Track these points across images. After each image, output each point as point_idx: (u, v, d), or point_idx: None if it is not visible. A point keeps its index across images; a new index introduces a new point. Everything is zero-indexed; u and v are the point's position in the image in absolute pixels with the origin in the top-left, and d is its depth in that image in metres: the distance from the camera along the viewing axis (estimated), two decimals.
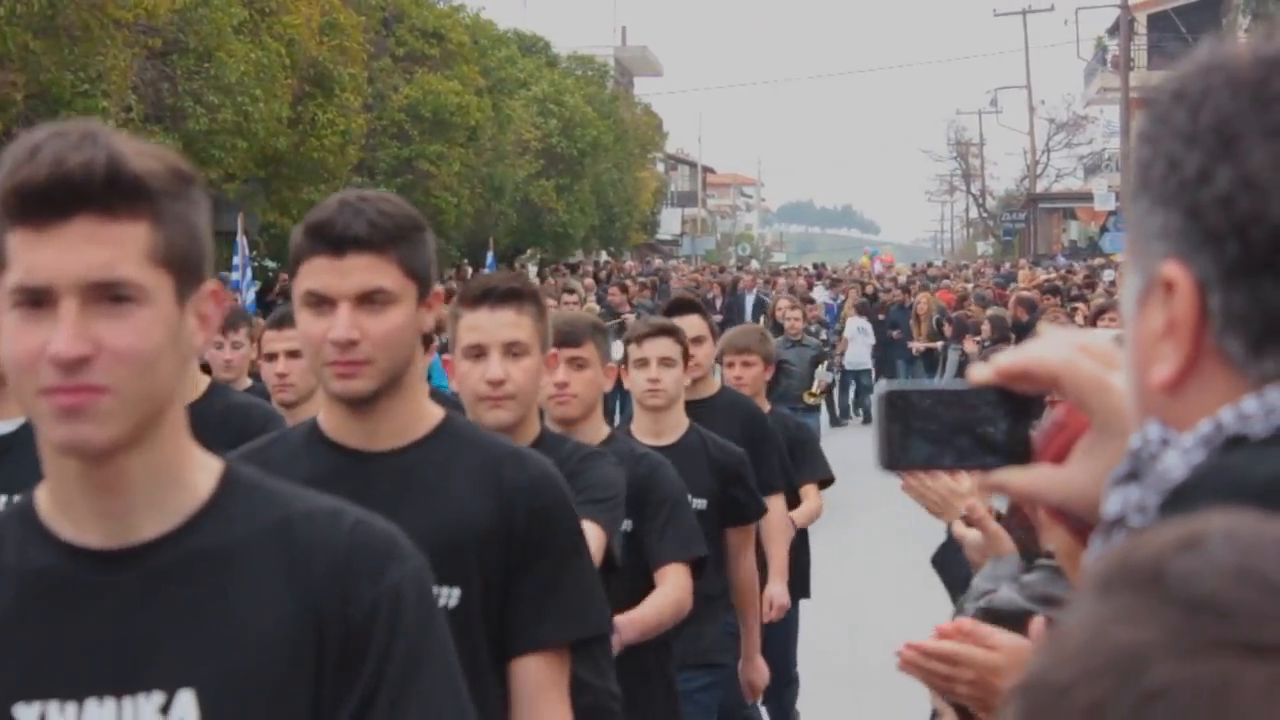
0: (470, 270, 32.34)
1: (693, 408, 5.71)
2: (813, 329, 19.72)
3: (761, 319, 22.35)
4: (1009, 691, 0.86)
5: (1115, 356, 1.44)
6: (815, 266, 46.75)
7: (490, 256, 25.30)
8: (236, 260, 18.09)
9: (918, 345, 24.67)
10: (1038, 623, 1.86)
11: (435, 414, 2.79)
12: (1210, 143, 1.21)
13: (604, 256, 47.19)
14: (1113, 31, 47.40)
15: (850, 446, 20.02)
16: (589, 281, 22.43)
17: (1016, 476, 1.46)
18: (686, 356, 5.47)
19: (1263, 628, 0.80)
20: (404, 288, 2.65)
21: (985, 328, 16.87)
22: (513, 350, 3.55)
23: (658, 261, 47.26)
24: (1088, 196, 52.92)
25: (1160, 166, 1.24)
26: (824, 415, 20.50)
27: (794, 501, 6.91)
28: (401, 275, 2.64)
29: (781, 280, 31.51)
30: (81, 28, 16.31)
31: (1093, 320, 9.78)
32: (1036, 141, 61.92)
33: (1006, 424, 1.44)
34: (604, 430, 4.57)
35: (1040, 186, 61.05)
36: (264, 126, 19.42)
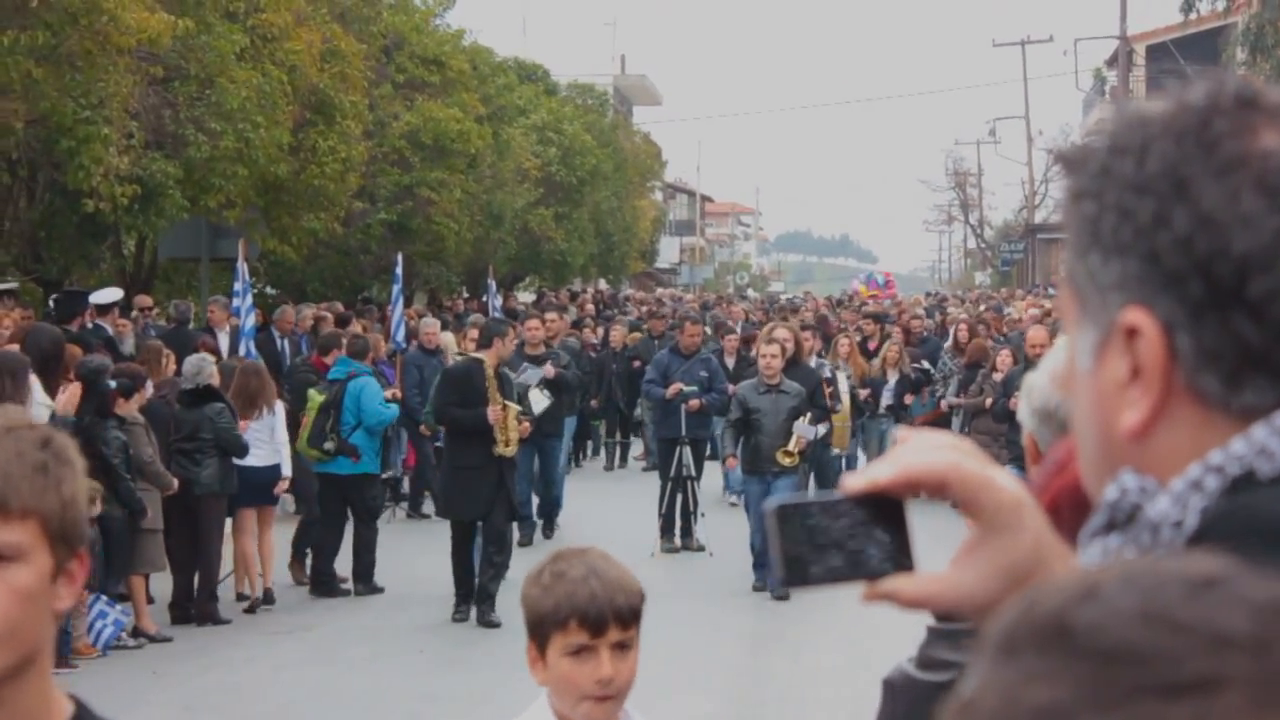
0: (467, 298, 32.35)
1: None
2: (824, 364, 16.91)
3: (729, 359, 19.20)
4: None
5: (987, 455, 1.44)
6: (798, 296, 45.66)
7: (490, 284, 25.27)
8: (237, 287, 18.21)
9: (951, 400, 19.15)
10: None
11: None
12: (1162, 188, 1.24)
13: (602, 284, 47.20)
14: (1111, 62, 47.47)
15: None
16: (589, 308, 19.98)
17: (906, 585, 1.44)
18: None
19: (1178, 668, 0.81)
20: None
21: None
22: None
23: (659, 291, 47.00)
24: None
25: (1110, 219, 1.27)
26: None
27: None
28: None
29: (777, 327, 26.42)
30: (83, 55, 16.32)
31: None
32: (1035, 172, 62.06)
33: (886, 531, 1.43)
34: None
35: (1038, 217, 61.10)
36: (264, 153, 19.43)
